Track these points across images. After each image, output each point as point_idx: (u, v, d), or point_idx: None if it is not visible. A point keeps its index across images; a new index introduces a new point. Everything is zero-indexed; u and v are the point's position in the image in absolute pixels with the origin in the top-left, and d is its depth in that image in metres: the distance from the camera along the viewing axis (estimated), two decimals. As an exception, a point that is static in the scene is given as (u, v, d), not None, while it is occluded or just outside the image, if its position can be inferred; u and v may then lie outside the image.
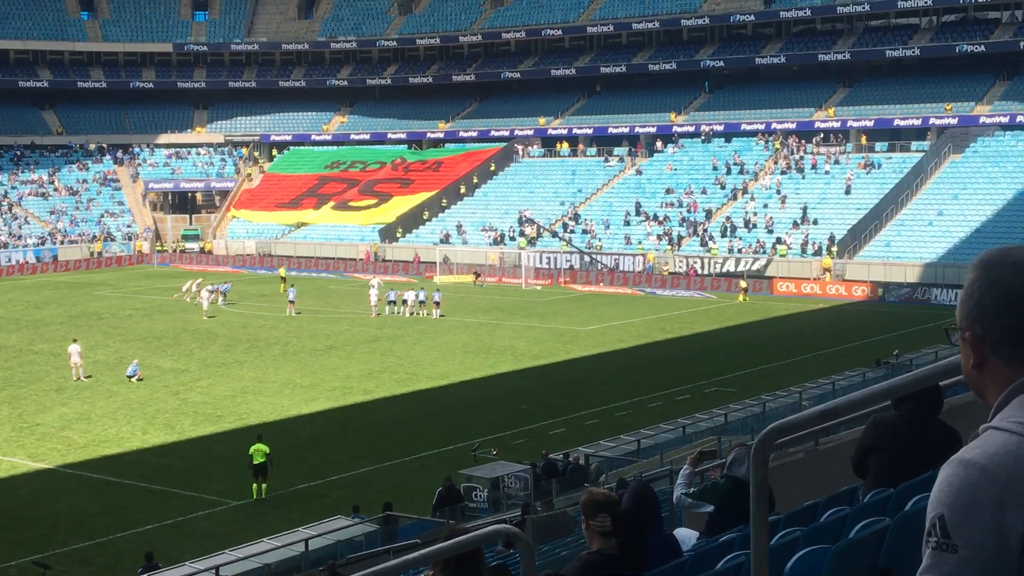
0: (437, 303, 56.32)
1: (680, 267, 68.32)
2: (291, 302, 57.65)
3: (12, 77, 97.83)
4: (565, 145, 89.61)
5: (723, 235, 70.17)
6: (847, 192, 71.16)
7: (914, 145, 74.57)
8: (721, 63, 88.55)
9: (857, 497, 7.02)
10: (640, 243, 71.75)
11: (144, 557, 21.57)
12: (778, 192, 73.27)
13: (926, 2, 79.48)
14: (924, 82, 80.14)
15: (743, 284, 62.49)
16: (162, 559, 22.19)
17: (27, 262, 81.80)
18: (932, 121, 76.13)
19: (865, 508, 5.99)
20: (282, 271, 70.02)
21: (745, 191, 74.87)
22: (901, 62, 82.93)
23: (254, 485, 27.66)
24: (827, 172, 74.53)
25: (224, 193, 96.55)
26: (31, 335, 51.97)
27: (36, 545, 24.00)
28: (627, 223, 74.88)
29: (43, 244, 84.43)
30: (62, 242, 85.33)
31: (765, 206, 71.99)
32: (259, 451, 27.72)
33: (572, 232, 75.41)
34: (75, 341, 43.07)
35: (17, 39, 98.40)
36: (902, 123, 77.77)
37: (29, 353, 47.24)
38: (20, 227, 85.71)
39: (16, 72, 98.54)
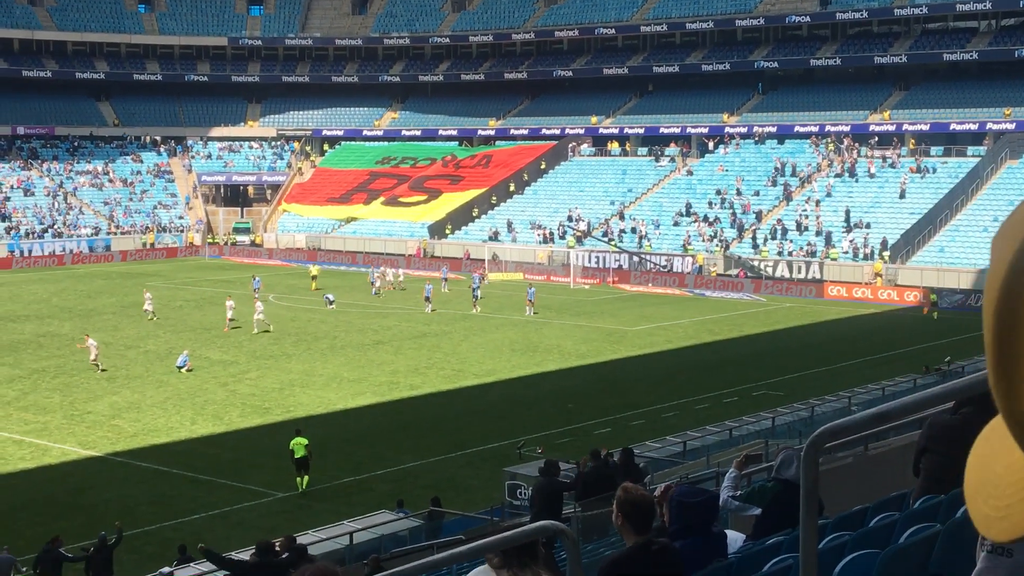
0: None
1: (730, 269, 67.96)
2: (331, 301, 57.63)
3: (69, 69, 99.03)
4: (616, 144, 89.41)
5: (774, 237, 69.72)
6: (901, 196, 70.46)
7: (970, 150, 73.70)
8: (775, 64, 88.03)
9: (907, 503, 6.94)
10: (690, 244, 71.47)
11: (178, 550, 21.77)
12: (830, 195, 72.69)
13: (985, 5, 78.53)
14: (982, 86, 79.21)
15: (933, 297, 57.63)
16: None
17: (81, 252, 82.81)
18: (989, 126, 75.21)
19: (915, 514, 5.93)
20: (314, 269, 68.84)
21: (797, 194, 74.35)
22: (958, 66, 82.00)
23: (298, 479, 27.77)
24: (878, 176, 73.82)
25: (275, 187, 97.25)
26: (84, 324, 52.53)
27: (83, 532, 24.23)
28: (676, 224, 74.59)
29: (97, 234, 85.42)
30: (115, 233, 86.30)
31: (817, 209, 71.44)
32: (299, 445, 27.76)
33: (622, 232, 75.16)
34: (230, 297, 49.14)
35: (75, 31, 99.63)
36: (958, 127, 76.90)
37: (81, 342, 47.72)
38: (75, 217, 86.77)
39: (73, 64, 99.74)
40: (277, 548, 17.94)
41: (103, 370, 41.33)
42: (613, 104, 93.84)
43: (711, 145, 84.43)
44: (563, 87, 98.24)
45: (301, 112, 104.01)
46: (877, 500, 7.65)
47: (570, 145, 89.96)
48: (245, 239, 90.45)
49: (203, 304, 59.20)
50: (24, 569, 22.23)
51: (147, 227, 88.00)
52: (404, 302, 60.02)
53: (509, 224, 79.89)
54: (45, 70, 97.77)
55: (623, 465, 21.95)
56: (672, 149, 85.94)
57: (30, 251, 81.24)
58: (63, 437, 32.78)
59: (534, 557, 5.07)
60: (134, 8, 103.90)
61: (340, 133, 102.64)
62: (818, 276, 65.09)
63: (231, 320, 50.98)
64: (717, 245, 70.54)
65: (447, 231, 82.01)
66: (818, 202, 71.99)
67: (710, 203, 75.80)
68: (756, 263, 67.55)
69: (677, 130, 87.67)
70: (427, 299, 57.25)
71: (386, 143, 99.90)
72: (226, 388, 39.13)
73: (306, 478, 27.78)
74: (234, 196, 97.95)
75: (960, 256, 63.36)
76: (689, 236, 72.38)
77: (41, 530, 24.79)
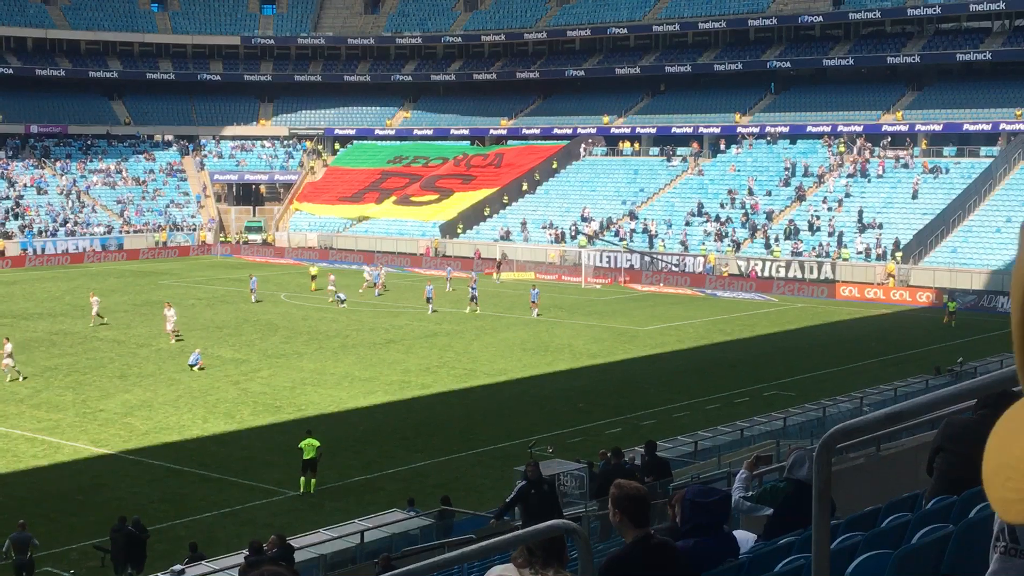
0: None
1: (741, 269, 67.83)
2: (342, 301, 57.69)
3: (83, 67, 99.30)
4: (628, 144, 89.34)
5: (786, 237, 69.60)
6: (914, 197, 70.28)
7: (983, 150, 73.47)
8: (788, 64, 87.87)
9: (919, 503, 6.93)
10: (702, 244, 71.40)
11: (188, 547, 21.82)
12: (845, 196, 72.53)
13: (999, 5, 78.30)
14: (995, 86, 78.98)
15: (952, 306, 54.65)
16: (219, 547, 22.42)
17: (94, 250, 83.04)
18: (1002, 126, 75.02)
19: (928, 514, 5.92)
20: (313, 268, 68.21)
21: (810, 194, 74.21)
22: (972, 66, 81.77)
23: (302, 479, 27.68)
24: (889, 176, 73.62)
25: (287, 186, 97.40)
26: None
27: (96, 530, 24.30)
28: (688, 224, 74.50)
29: (109, 233, 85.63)
30: (128, 231, 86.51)
31: (829, 209, 71.30)
32: (309, 446, 27.69)
33: (632, 231, 75.09)
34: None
35: (88, 30, 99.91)
36: (972, 128, 76.70)
37: (94, 340, 47.92)
38: (88, 216, 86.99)
39: (87, 62, 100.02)
40: (264, 547, 18.09)
41: (18, 378, 39.89)
42: (625, 104, 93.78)
43: (723, 145, 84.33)
44: (575, 87, 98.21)
45: (313, 111, 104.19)
46: (889, 500, 7.63)
47: (582, 145, 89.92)
48: (257, 238, 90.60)
49: (215, 303, 59.30)
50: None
51: (160, 225, 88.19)
52: (386, 302, 59.97)
53: (523, 224, 79.83)
54: (58, 69, 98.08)
55: (649, 458, 22.06)
56: (684, 149, 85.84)
57: (43, 249, 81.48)
58: (75, 435, 32.86)
59: (557, 557, 5.12)
60: (147, 7, 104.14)
61: (352, 132, 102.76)
62: (830, 276, 64.95)
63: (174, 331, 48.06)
64: (728, 245, 70.42)
65: (459, 230, 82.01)
66: (839, 201, 71.83)
67: (722, 203, 75.70)
68: (747, 263, 67.33)
69: (689, 130, 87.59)
70: (428, 300, 56.85)
71: (398, 142, 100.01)
72: (238, 386, 39.19)
73: (313, 480, 27.68)
74: (246, 195, 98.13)
75: (973, 257, 63.19)
76: (686, 236, 72.26)
77: (54, 527, 24.87)
